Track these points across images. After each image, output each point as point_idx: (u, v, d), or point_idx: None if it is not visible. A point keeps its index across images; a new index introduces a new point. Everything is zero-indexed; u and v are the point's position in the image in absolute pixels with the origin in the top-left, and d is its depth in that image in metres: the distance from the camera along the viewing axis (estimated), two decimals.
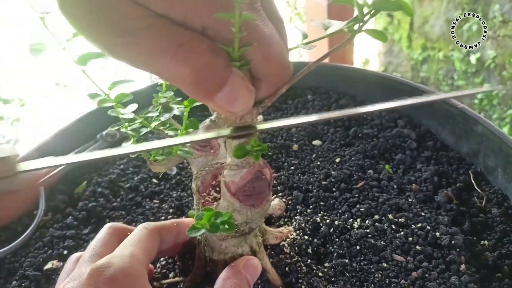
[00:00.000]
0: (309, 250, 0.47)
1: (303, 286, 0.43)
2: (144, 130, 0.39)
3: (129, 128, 0.39)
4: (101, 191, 0.61)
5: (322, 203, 0.54)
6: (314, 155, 0.64)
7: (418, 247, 0.47)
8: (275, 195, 0.56)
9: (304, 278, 0.44)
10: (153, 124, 0.40)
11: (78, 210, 0.59)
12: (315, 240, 0.48)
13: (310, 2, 1.46)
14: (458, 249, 0.46)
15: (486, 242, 0.49)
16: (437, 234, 0.48)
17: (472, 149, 0.60)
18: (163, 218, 0.56)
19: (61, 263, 0.51)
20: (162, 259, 0.47)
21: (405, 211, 0.52)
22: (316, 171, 0.60)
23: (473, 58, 1.89)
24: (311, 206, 0.53)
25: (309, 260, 0.46)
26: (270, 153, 0.65)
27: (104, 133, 0.71)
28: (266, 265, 0.43)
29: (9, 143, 1.61)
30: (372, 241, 0.47)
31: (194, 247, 0.44)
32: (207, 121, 0.44)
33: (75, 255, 0.41)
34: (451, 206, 0.52)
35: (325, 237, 0.49)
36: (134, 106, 0.39)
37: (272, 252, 0.46)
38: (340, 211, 0.52)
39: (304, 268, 0.45)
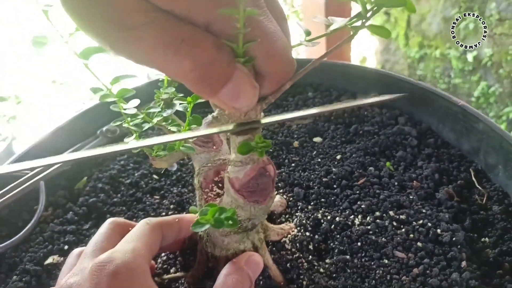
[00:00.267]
0: (310, 247, 0.47)
1: (304, 282, 0.43)
2: (146, 126, 0.39)
3: (131, 123, 0.39)
4: (101, 187, 0.61)
5: (323, 199, 0.54)
6: (315, 152, 0.64)
7: (419, 244, 0.47)
8: (276, 192, 0.56)
9: (306, 274, 0.44)
10: (155, 120, 0.40)
11: (78, 205, 0.58)
12: (316, 236, 0.48)
13: (307, 1, 1.45)
14: (459, 246, 0.46)
15: (487, 239, 0.49)
16: (438, 231, 0.48)
17: (473, 146, 0.60)
18: (163, 214, 0.56)
19: (62, 258, 0.51)
20: (163, 254, 0.47)
21: (406, 208, 0.52)
22: (317, 168, 0.60)
23: (470, 56, 1.89)
24: (312, 203, 0.53)
25: (310, 257, 0.46)
26: (271, 150, 0.65)
27: (104, 129, 0.71)
28: (267, 262, 0.43)
29: (5, 140, 1.60)
30: (373, 237, 0.48)
31: (195, 243, 0.44)
32: (209, 117, 0.44)
33: (77, 250, 0.41)
34: (452, 203, 0.53)
35: (326, 234, 0.49)
36: (136, 101, 0.38)
37: (274, 249, 0.47)
38: (341, 207, 0.52)
39: (305, 264, 0.45)
